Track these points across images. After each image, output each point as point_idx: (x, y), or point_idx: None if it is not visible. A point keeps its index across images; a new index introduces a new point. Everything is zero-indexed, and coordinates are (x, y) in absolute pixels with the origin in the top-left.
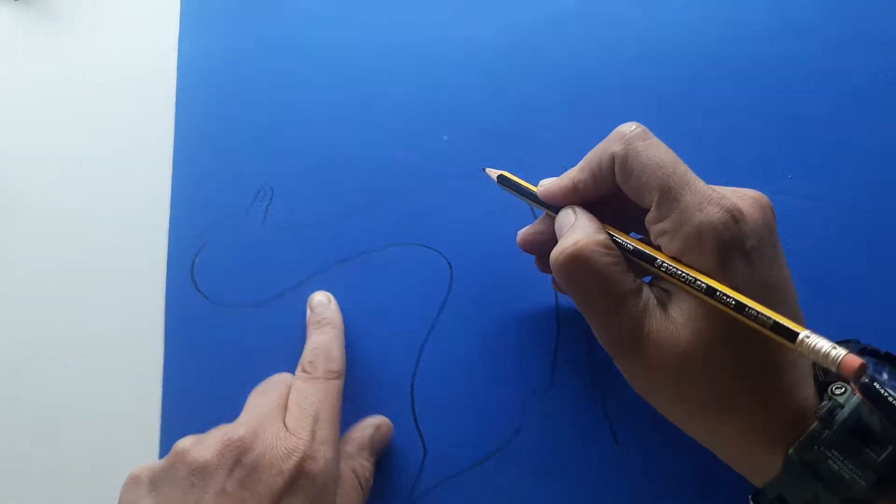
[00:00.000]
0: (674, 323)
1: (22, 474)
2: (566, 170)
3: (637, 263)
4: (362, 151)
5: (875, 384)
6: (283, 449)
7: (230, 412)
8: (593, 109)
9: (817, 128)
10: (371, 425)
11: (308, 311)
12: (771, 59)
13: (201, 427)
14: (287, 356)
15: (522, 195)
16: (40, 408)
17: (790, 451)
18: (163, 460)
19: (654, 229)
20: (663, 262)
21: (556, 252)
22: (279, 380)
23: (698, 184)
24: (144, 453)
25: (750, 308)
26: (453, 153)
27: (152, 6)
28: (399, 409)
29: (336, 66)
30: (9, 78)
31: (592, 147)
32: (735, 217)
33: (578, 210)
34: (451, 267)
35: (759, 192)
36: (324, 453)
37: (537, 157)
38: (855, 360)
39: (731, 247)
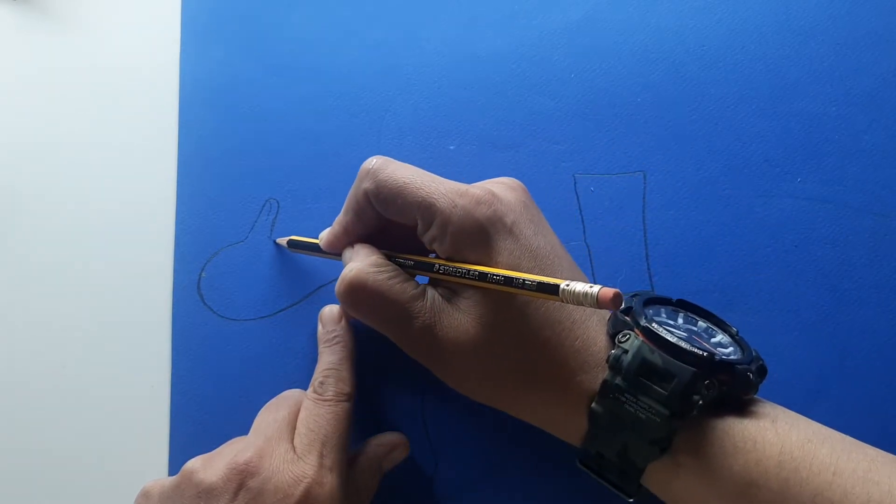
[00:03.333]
0: (461, 313)
1: (29, 485)
2: (574, 177)
3: (423, 276)
4: None
5: (653, 324)
6: (290, 474)
7: (238, 425)
8: (600, 118)
9: (827, 130)
10: (386, 445)
11: (319, 327)
12: (778, 61)
13: (210, 440)
14: (295, 370)
15: (315, 252)
16: (48, 420)
17: (592, 404)
18: (172, 479)
19: (426, 240)
20: (440, 265)
21: (337, 286)
22: (289, 397)
23: (446, 185)
24: (153, 468)
25: (516, 279)
26: (460, 163)
27: (153, 8)
28: (409, 420)
29: (342, 77)
30: (8, 79)
31: (599, 154)
32: (488, 200)
33: (356, 245)
34: None
35: (509, 178)
36: (330, 480)
37: (543, 167)
38: (609, 291)
39: (492, 226)
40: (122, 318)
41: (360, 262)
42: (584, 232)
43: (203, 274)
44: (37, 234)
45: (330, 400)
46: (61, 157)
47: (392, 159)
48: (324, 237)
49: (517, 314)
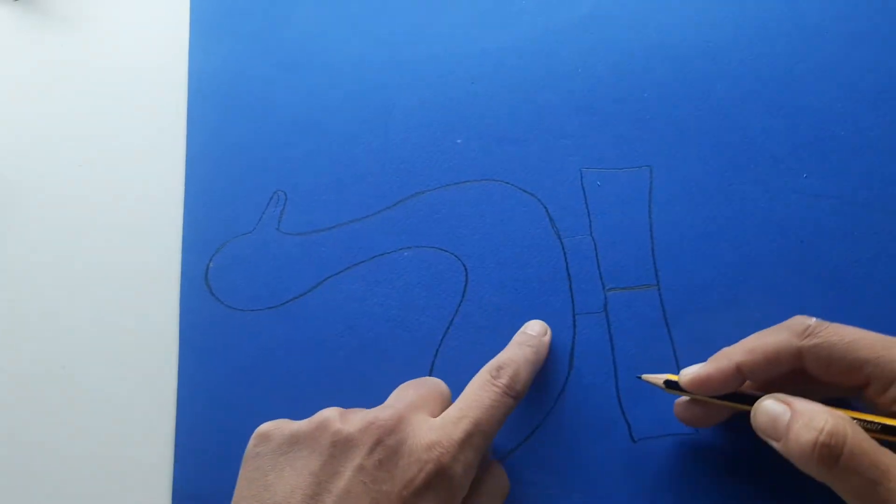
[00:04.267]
0: None
1: (34, 477)
2: (581, 171)
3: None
4: (375, 155)
5: None
6: (426, 440)
7: (245, 415)
8: (607, 113)
9: (833, 126)
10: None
11: (521, 330)
12: (784, 57)
13: (217, 429)
14: (302, 360)
15: (697, 396)
16: (53, 413)
17: None
18: (304, 423)
19: (886, 398)
20: None
21: (807, 440)
22: (428, 381)
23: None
24: (159, 458)
25: None
26: (467, 156)
27: (162, 4)
28: None
29: (350, 70)
30: (7, 78)
31: (606, 148)
32: None
33: (783, 396)
34: (466, 269)
35: None
36: (465, 457)
37: (550, 161)
38: None
39: None
40: (131, 309)
41: (832, 417)
42: (591, 226)
43: (211, 264)
44: (49, 226)
45: (500, 387)
46: (72, 151)
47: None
48: (696, 373)
49: None
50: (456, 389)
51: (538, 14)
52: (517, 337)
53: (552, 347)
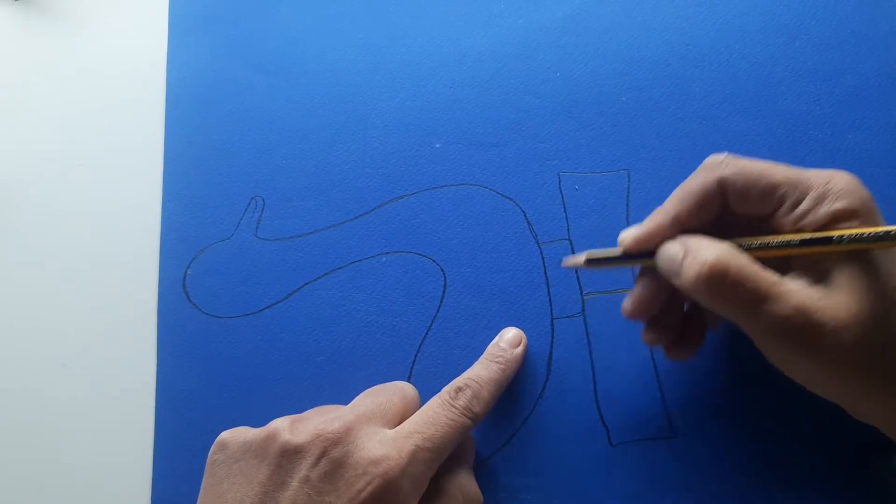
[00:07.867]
0: (840, 289)
1: (11, 484)
2: (559, 175)
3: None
4: (353, 161)
5: None
6: (375, 454)
7: (222, 421)
8: (584, 117)
9: (810, 129)
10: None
11: (495, 340)
12: (762, 60)
13: (194, 435)
14: (279, 367)
15: (618, 263)
16: (32, 418)
17: None
18: (257, 432)
19: (792, 217)
20: (842, 235)
21: (693, 273)
22: (393, 387)
23: (803, 169)
24: (138, 463)
25: None
26: (446, 161)
27: (142, 7)
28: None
29: (328, 75)
30: (4, 77)
31: (584, 152)
32: (858, 182)
33: (681, 237)
34: (444, 274)
35: None
36: (414, 472)
37: (528, 165)
38: None
39: (869, 202)
40: (108, 315)
41: (716, 248)
42: (569, 230)
43: (188, 271)
44: (23, 232)
45: (458, 409)
46: (49, 156)
47: None
48: (633, 233)
49: None
50: (433, 394)
51: (516, 18)
52: (489, 350)
53: (530, 352)
